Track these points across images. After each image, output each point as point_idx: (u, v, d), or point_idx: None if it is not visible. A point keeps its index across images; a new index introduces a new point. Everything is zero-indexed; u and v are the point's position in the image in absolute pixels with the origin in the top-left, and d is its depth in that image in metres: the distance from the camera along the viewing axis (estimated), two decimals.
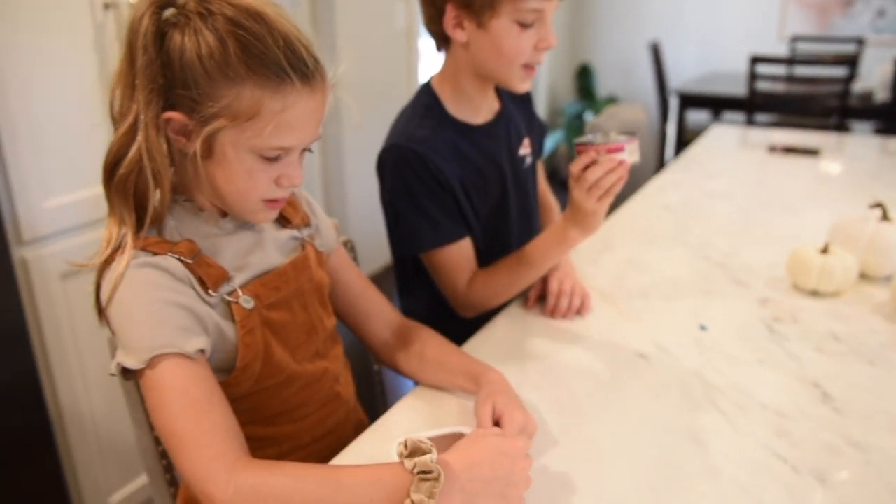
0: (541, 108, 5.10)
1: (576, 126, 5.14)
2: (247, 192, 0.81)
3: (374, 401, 1.38)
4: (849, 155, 2.49)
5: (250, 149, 0.78)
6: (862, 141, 2.72)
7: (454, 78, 1.24)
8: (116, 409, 1.83)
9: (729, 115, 4.44)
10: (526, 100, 1.43)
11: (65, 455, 1.74)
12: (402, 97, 1.36)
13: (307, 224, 0.98)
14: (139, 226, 0.80)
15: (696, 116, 4.46)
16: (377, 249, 1.36)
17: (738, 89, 3.88)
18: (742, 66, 4.04)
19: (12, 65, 1.48)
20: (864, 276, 1.39)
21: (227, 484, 0.69)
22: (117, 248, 0.79)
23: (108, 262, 0.79)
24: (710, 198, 1.96)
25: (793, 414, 0.97)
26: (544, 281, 1.29)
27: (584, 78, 5.40)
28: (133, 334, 0.75)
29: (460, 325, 1.22)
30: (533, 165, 1.41)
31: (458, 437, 0.89)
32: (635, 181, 2.23)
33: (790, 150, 2.42)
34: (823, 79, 3.57)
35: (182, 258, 0.79)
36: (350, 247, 1.28)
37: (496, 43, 1.13)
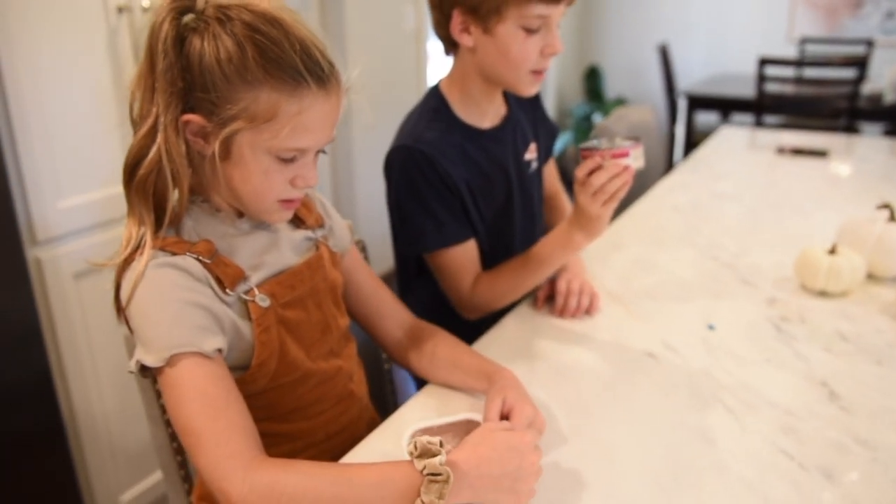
0: (549, 110, 5.08)
1: (584, 128, 5.15)
2: (263, 193, 0.83)
3: (385, 399, 1.40)
4: (858, 157, 2.49)
5: (267, 150, 0.79)
6: (871, 143, 2.72)
7: (462, 82, 1.25)
8: (128, 408, 1.85)
9: (737, 116, 4.43)
10: (535, 102, 1.43)
11: (76, 454, 1.76)
12: (411, 99, 1.37)
13: (321, 225, 1.00)
14: (158, 226, 0.81)
15: (704, 118, 4.46)
16: (386, 250, 1.37)
17: (747, 91, 3.88)
18: (750, 68, 4.04)
19: (27, 67, 1.50)
20: (871, 277, 1.40)
21: (242, 482, 0.70)
22: (137, 248, 0.80)
23: (127, 261, 0.80)
24: (718, 199, 1.97)
25: (800, 412, 0.98)
26: (553, 281, 1.30)
27: (592, 80, 5.41)
28: (152, 333, 0.77)
29: (460, 326, 1.22)
30: (538, 170, 1.42)
31: (468, 423, 0.90)
32: (644, 182, 2.24)
33: (799, 151, 2.42)
34: (832, 80, 3.57)
35: (200, 258, 0.81)
36: (361, 247, 1.29)
37: (502, 48, 1.14)
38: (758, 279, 1.42)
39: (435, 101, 1.26)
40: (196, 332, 0.77)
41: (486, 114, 1.29)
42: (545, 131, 1.46)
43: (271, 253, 0.90)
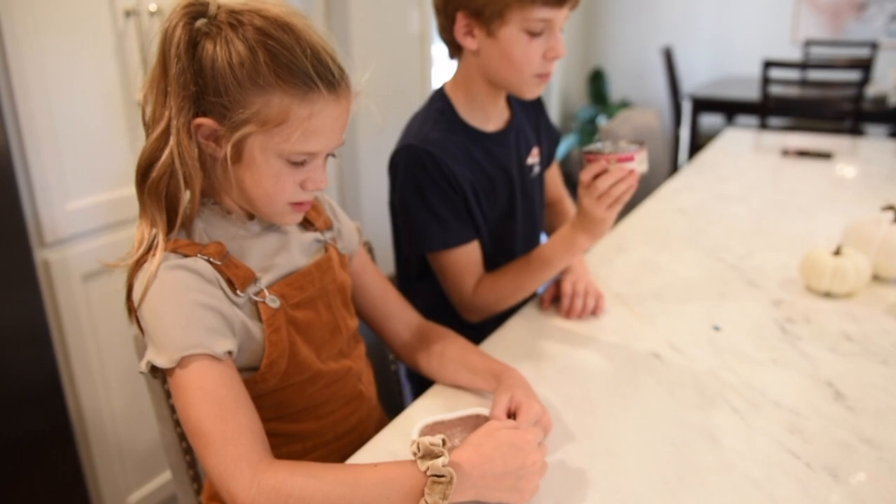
0: (553, 113, 5.12)
1: (589, 130, 5.15)
2: (274, 195, 0.84)
3: (393, 400, 1.41)
4: (862, 158, 2.49)
5: (278, 154, 0.80)
6: (875, 144, 2.72)
7: (466, 85, 1.26)
8: (136, 409, 1.86)
9: (742, 118, 4.44)
10: (538, 107, 1.44)
11: (84, 455, 1.77)
12: (416, 102, 1.38)
13: (330, 227, 1.01)
14: (170, 227, 0.82)
15: (709, 120, 4.46)
16: (391, 251, 1.38)
17: (752, 93, 3.88)
18: (755, 70, 4.05)
19: (35, 70, 1.52)
20: (876, 278, 1.40)
21: (250, 483, 0.71)
22: (149, 250, 0.81)
23: (139, 262, 0.81)
24: (723, 201, 1.98)
25: (806, 412, 0.98)
26: (558, 282, 1.31)
27: (596, 83, 5.41)
28: (164, 334, 0.78)
29: (462, 327, 1.23)
30: (540, 175, 1.43)
31: (478, 418, 0.91)
32: (649, 185, 2.25)
33: (803, 153, 2.42)
34: (837, 82, 3.57)
35: (211, 260, 0.82)
36: (368, 248, 1.30)
37: (505, 51, 1.15)
38: (763, 280, 1.42)
39: (440, 104, 1.27)
40: (207, 334, 0.78)
41: (489, 117, 1.30)
42: (548, 136, 1.46)
43: (281, 255, 0.91)
